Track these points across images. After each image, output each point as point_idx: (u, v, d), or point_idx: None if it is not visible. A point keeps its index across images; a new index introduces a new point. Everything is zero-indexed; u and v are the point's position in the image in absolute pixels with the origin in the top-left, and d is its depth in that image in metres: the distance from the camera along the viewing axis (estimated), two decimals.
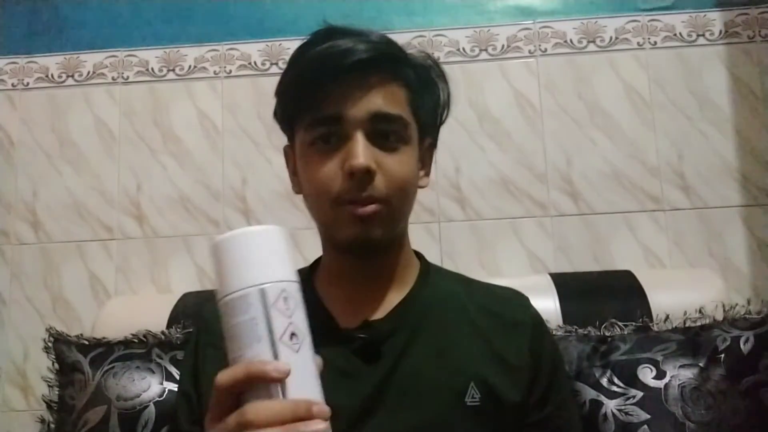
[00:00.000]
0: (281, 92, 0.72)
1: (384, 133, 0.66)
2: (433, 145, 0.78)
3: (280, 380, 0.44)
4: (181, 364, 0.83)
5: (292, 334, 0.46)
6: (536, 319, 0.75)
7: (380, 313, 0.70)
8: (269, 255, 0.48)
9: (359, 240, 0.65)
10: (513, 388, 0.67)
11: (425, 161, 0.76)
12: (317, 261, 0.79)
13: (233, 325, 0.46)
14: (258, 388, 0.44)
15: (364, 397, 0.65)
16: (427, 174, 0.77)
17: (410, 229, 0.75)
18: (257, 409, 0.43)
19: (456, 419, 0.65)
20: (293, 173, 0.75)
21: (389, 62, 0.68)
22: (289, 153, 0.76)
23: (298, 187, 0.74)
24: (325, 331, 0.65)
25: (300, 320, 0.47)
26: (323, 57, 0.66)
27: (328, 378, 0.62)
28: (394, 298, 0.72)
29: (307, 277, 0.76)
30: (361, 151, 0.64)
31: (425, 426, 0.64)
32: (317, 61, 0.66)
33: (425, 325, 0.70)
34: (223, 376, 0.45)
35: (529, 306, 0.76)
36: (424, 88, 0.73)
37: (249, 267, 0.47)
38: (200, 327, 0.78)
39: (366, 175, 0.64)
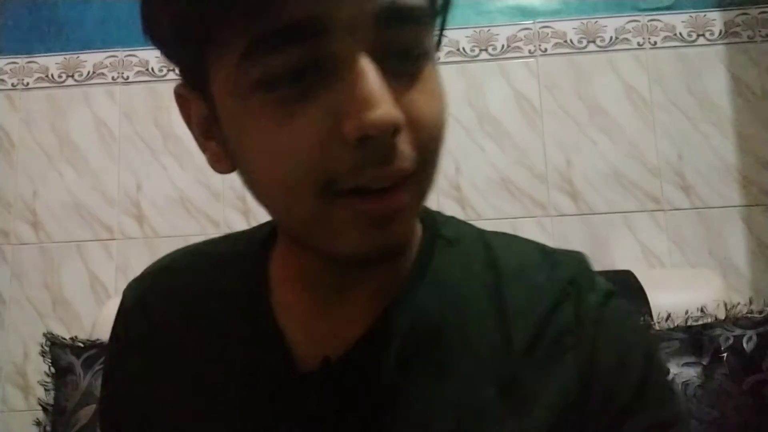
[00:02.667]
0: None
1: (401, 48, 0.36)
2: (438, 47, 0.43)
3: None
4: (100, 397, 0.57)
5: None
6: (601, 312, 0.44)
7: (354, 334, 0.44)
8: None
9: (374, 252, 0.37)
10: None
11: None
12: (272, 235, 0.50)
13: None
14: None
15: None
16: None
17: None
18: None
19: None
20: (204, 135, 0.42)
21: None
22: (187, 98, 0.43)
23: (224, 163, 0.41)
24: (275, 370, 0.44)
25: None
26: None
27: None
28: (377, 307, 0.44)
29: (258, 261, 0.49)
30: (378, 90, 0.33)
31: None
32: None
33: (416, 357, 0.43)
34: None
35: (592, 285, 0.45)
36: None
37: None
38: (117, 345, 0.52)
39: (390, 138, 0.34)
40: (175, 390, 0.47)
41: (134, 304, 0.52)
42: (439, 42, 0.41)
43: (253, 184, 0.40)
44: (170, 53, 0.41)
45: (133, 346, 0.50)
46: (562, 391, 0.41)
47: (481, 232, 0.49)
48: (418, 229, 0.47)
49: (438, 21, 0.40)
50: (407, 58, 0.36)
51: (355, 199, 0.35)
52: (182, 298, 0.51)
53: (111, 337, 0.53)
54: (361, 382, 0.42)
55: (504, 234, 0.49)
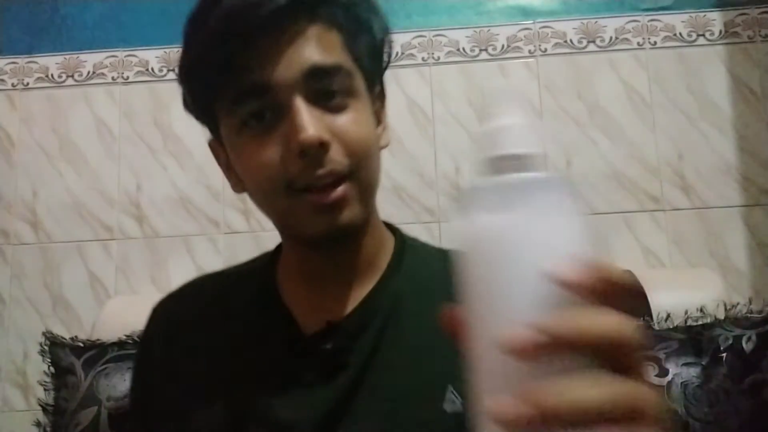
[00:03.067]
0: (187, 72, 0.59)
1: (326, 90, 0.54)
2: (382, 95, 0.65)
3: None
4: (131, 388, 0.72)
5: None
6: None
7: (346, 308, 0.61)
8: None
9: (330, 232, 0.55)
10: None
11: (379, 115, 0.64)
12: (278, 249, 0.68)
13: None
14: None
15: (328, 410, 0.56)
16: (386, 129, 0.65)
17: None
18: None
19: (433, 430, 0.55)
20: (228, 169, 0.63)
21: (311, 4, 0.55)
22: (216, 147, 0.63)
23: (239, 186, 0.62)
24: (286, 338, 0.60)
25: None
26: (231, 15, 0.52)
27: (289, 390, 0.57)
28: (363, 290, 0.61)
29: (267, 269, 0.66)
30: (307, 120, 0.52)
31: None
32: (226, 21, 0.53)
33: (396, 321, 0.59)
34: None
35: None
36: (357, 27, 0.60)
37: None
38: (148, 343, 0.68)
39: (320, 149, 0.52)
40: (205, 365, 0.61)
41: (165, 309, 0.69)
42: (373, 84, 0.62)
43: (249, 193, 0.60)
44: (200, 119, 0.62)
45: (166, 339, 0.65)
46: None
47: (434, 246, 0.69)
48: (391, 239, 0.65)
49: (368, 69, 0.60)
50: (333, 97, 0.55)
51: (308, 194, 0.53)
52: (207, 300, 0.67)
53: (144, 337, 0.68)
54: (355, 339, 0.57)
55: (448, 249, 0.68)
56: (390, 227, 0.67)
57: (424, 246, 0.68)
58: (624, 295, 0.30)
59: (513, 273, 0.29)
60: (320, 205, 0.53)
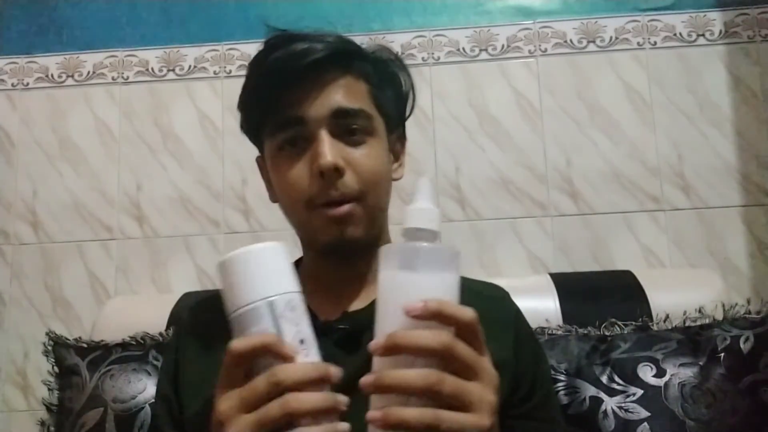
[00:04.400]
0: (243, 103, 0.73)
1: (348, 128, 0.67)
2: (403, 137, 0.79)
3: (291, 355, 0.47)
4: (160, 368, 0.83)
5: (301, 340, 0.50)
6: (517, 314, 0.75)
7: (360, 305, 0.70)
8: (273, 269, 0.51)
9: (337, 242, 0.66)
10: None
11: (397, 154, 0.78)
12: (299, 260, 0.79)
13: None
14: (268, 366, 0.47)
15: (344, 383, 0.64)
16: (402, 165, 0.78)
17: None
18: (287, 369, 0.46)
19: None
20: (268, 182, 0.76)
21: (345, 59, 0.69)
22: (261, 163, 0.77)
23: (274, 196, 0.75)
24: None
25: (306, 327, 0.50)
26: (280, 61, 0.67)
27: None
28: (373, 296, 0.68)
29: None
30: (327, 149, 0.64)
31: None
32: (275, 66, 0.68)
33: None
34: (238, 343, 0.47)
35: (511, 301, 0.77)
36: (385, 80, 0.74)
37: (255, 282, 0.50)
38: (180, 331, 0.78)
39: (335, 173, 0.64)
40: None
41: (191, 308, 0.79)
42: (394, 127, 0.75)
43: (280, 204, 0.72)
44: (252, 140, 0.76)
45: (193, 334, 0.74)
46: (504, 347, 0.69)
47: None
48: None
49: (390, 115, 0.73)
50: (353, 134, 0.68)
51: (324, 209, 0.66)
52: None
53: (173, 342, 0.77)
54: (369, 325, 0.61)
55: None
56: None
57: None
58: (455, 323, 0.45)
59: (391, 307, 0.47)
60: (330, 217, 0.65)
